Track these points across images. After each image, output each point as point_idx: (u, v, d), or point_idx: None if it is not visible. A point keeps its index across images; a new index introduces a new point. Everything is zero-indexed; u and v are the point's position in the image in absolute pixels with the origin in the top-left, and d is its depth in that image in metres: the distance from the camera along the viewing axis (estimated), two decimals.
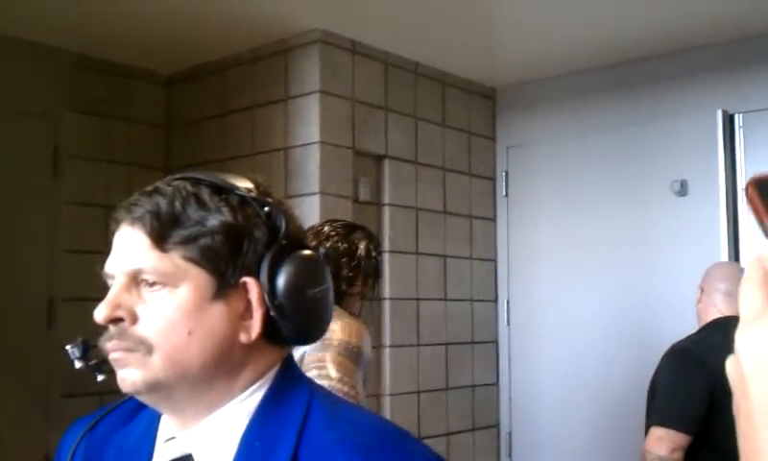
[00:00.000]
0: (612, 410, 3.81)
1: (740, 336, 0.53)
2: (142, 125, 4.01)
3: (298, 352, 1.88)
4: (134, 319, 0.93)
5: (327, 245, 2.10)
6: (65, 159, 3.69)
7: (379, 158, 3.79)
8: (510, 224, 4.36)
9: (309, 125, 3.50)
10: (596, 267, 4.00)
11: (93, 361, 0.98)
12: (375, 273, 2.19)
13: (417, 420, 3.82)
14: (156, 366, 0.92)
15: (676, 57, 3.81)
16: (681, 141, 3.75)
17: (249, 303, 0.94)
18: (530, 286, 4.26)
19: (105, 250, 0.99)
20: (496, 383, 4.32)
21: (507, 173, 4.39)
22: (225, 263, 0.93)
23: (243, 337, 0.94)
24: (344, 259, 2.10)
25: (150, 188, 0.97)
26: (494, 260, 4.37)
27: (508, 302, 4.34)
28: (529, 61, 4.01)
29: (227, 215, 0.93)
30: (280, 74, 3.63)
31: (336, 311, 1.91)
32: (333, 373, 1.88)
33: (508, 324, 4.33)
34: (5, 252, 3.46)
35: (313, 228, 2.19)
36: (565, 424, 4.04)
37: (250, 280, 0.94)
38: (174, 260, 0.92)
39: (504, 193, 4.39)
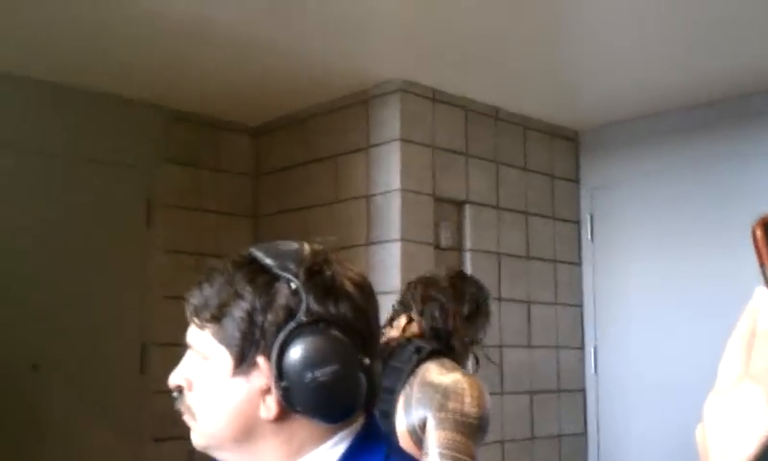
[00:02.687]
0: None
1: (710, 402, 0.49)
2: (231, 174, 4.15)
3: (418, 416, 1.77)
4: (190, 387, 1.03)
5: (439, 295, 2.00)
6: (158, 209, 3.85)
7: (460, 204, 3.80)
8: (596, 268, 4.28)
9: (390, 172, 3.55)
10: (688, 311, 3.87)
11: None
12: (486, 322, 2.10)
13: None
14: (200, 432, 1.01)
15: (762, 96, 3.70)
16: None
17: (268, 380, 0.98)
18: (619, 333, 4.15)
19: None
20: (584, 433, 4.21)
21: (592, 216, 4.32)
22: (243, 343, 0.98)
23: (264, 413, 0.98)
24: (457, 309, 2.00)
25: (209, 271, 1.05)
26: (580, 306, 4.29)
27: (595, 349, 4.24)
28: (613, 103, 3.96)
29: (248, 300, 0.98)
30: (362, 123, 3.70)
31: (453, 366, 1.85)
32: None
33: (596, 372, 4.23)
34: (100, 298, 3.62)
35: (423, 277, 2.10)
36: None
37: (262, 361, 0.97)
38: (206, 337, 1.01)
39: (589, 236, 4.31)
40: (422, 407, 1.77)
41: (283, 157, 4.10)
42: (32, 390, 3.40)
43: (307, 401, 0.95)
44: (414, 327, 1.96)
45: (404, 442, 1.77)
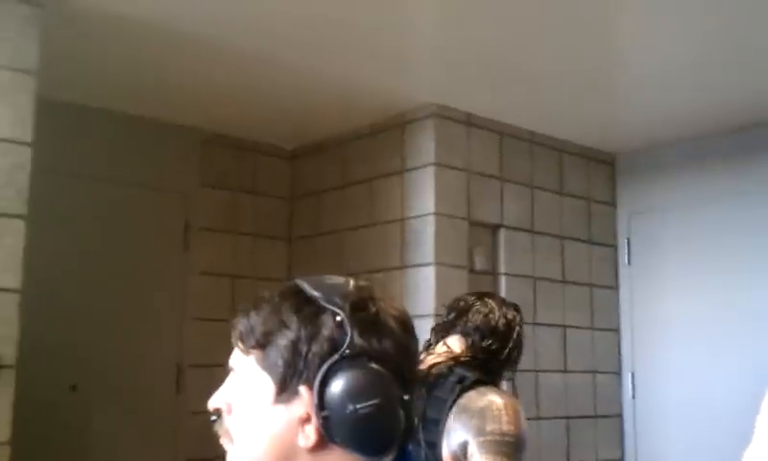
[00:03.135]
0: None
1: (748, 458, 0.49)
2: (267, 197, 4.19)
3: (458, 439, 1.78)
4: (230, 410, 1.04)
5: (476, 317, 1.99)
6: (195, 231, 3.90)
7: (495, 228, 3.79)
8: (633, 292, 4.23)
9: (424, 197, 3.56)
10: (727, 337, 3.81)
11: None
12: (520, 347, 2.06)
13: None
14: (237, 456, 1.03)
15: None
16: None
17: (309, 409, 0.99)
18: (656, 357, 4.10)
19: (230, 318, 1.09)
20: (621, 459, 4.15)
21: (629, 240, 4.28)
22: (286, 371, 0.99)
23: (302, 442, 0.99)
24: (495, 333, 1.99)
25: (255, 298, 1.06)
26: (617, 330, 4.24)
27: (633, 374, 4.18)
28: (651, 125, 3.94)
29: (294, 330, 1.00)
30: (397, 147, 3.72)
31: (490, 391, 1.84)
32: None
33: (633, 397, 4.17)
34: (138, 319, 3.67)
35: (458, 300, 2.09)
36: None
37: (304, 390, 0.98)
38: (250, 363, 1.03)
39: (626, 261, 4.27)
40: (462, 432, 1.77)
41: (319, 181, 4.13)
42: (70, 410, 3.46)
43: (346, 433, 0.96)
44: (455, 346, 1.96)
45: None
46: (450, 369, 1.89)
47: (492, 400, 1.81)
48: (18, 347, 2.45)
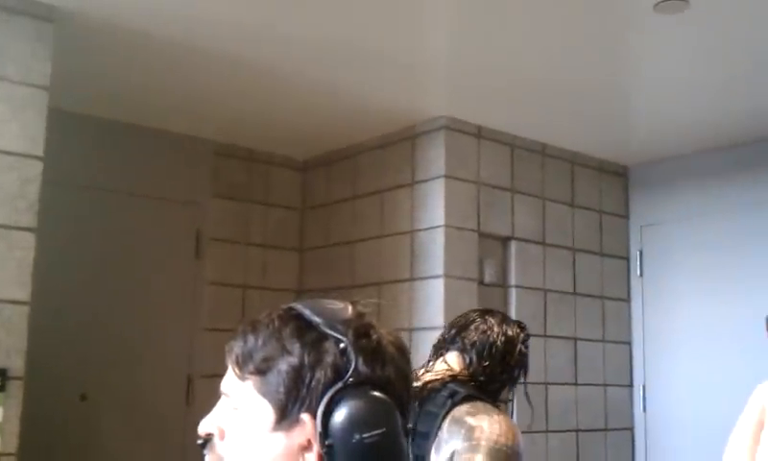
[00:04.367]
0: None
1: None
2: (278, 208, 4.21)
3: (448, 451, 1.76)
4: (222, 436, 1.02)
5: (473, 335, 1.96)
6: (207, 242, 3.92)
7: (505, 240, 3.78)
8: (645, 305, 4.20)
9: (434, 209, 3.56)
10: (738, 350, 3.78)
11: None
12: (525, 366, 2.02)
13: None
14: None
15: None
16: None
17: (310, 437, 0.97)
18: (669, 370, 4.07)
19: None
20: None
21: (641, 252, 4.25)
22: (287, 399, 0.97)
23: None
24: (493, 351, 1.95)
25: (251, 321, 1.04)
26: (629, 343, 4.22)
27: (644, 387, 4.16)
28: (664, 138, 3.91)
29: (296, 356, 0.98)
30: (407, 159, 3.73)
31: (485, 407, 1.82)
32: None
33: (644, 410, 4.14)
34: (149, 329, 3.70)
35: (461, 316, 2.06)
36: None
37: (307, 418, 0.97)
38: (247, 389, 1.00)
39: (639, 273, 4.25)
40: (451, 442, 1.75)
41: (330, 192, 4.14)
42: (80, 419, 3.48)
43: None
44: (453, 363, 1.94)
45: None
46: (444, 384, 1.86)
47: (485, 415, 1.78)
48: (28, 357, 2.47)
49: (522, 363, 2.00)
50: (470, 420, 1.76)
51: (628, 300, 4.25)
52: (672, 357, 4.05)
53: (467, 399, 1.82)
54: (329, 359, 0.97)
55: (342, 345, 0.97)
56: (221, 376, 1.07)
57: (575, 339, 3.97)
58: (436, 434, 1.77)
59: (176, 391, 3.74)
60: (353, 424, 0.94)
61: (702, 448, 3.85)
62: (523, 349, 2.00)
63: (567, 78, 3.18)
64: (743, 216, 3.85)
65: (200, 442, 1.02)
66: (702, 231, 4.00)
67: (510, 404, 2.05)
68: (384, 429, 0.96)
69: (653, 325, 4.16)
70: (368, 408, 0.95)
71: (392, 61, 3.05)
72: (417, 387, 1.88)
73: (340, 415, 0.94)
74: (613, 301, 4.18)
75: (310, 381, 0.96)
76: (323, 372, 0.97)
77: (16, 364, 2.43)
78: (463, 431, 1.75)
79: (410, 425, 1.83)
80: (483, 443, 1.73)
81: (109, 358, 3.56)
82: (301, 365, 0.97)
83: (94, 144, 3.61)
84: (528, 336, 2.06)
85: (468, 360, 1.93)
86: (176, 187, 3.87)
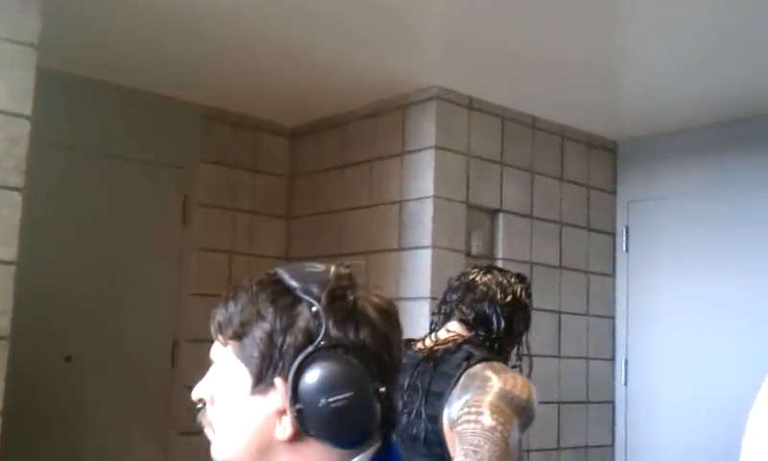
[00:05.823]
0: None
1: None
2: (267, 175, 4.19)
3: (460, 403, 1.71)
4: (212, 401, 1.04)
5: (477, 305, 1.92)
6: (194, 207, 3.90)
7: (493, 212, 3.79)
8: (630, 280, 4.24)
9: (424, 179, 3.56)
10: (722, 327, 3.82)
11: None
12: (528, 318, 1.99)
13: None
14: (218, 446, 1.03)
15: None
16: None
17: (285, 401, 0.98)
18: (650, 345, 4.11)
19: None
20: (612, 445, 4.18)
21: (627, 228, 4.28)
22: (262, 363, 0.99)
23: (279, 434, 0.98)
24: (500, 324, 1.91)
25: (234, 288, 1.05)
26: (613, 317, 4.26)
27: (626, 361, 4.20)
28: (653, 115, 3.92)
29: (269, 321, 0.99)
30: (398, 129, 3.71)
31: (502, 367, 1.79)
32: (487, 419, 1.65)
33: (626, 384, 4.19)
34: (135, 292, 3.69)
35: (464, 275, 2.02)
36: None
37: (279, 382, 0.98)
38: (228, 355, 1.02)
39: (624, 248, 4.27)
40: (464, 395, 1.72)
41: (319, 160, 4.13)
42: (64, 381, 3.48)
43: (320, 426, 0.96)
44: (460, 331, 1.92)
45: (450, 442, 1.73)
46: (458, 346, 1.85)
47: (500, 372, 1.75)
48: (13, 318, 2.46)
49: (526, 316, 1.98)
50: (486, 373, 1.74)
51: (613, 275, 4.28)
52: (654, 333, 4.09)
53: (482, 361, 1.79)
54: (302, 324, 0.97)
55: (314, 308, 0.97)
56: (206, 340, 1.07)
57: (559, 312, 4.00)
58: (450, 393, 1.76)
59: (161, 354, 3.74)
60: (320, 387, 0.95)
61: (681, 423, 3.92)
62: (526, 302, 1.98)
63: (559, 52, 3.17)
64: (730, 194, 3.87)
65: (198, 407, 1.05)
66: (688, 209, 4.02)
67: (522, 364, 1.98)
68: (351, 393, 0.96)
69: (637, 300, 4.20)
70: (334, 372, 0.95)
71: (384, 30, 3.03)
72: (430, 348, 1.87)
73: (309, 379, 0.95)
74: (599, 275, 4.21)
75: (282, 346, 0.97)
76: (294, 336, 0.97)
77: (2, 324, 2.43)
78: (477, 382, 1.73)
79: (424, 385, 1.83)
80: (495, 389, 1.70)
81: (95, 321, 3.55)
82: (274, 330, 0.98)
83: (82, 105, 3.57)
84: (529, 287, 2.02)
85: (475, 332, 1.90)
86: (164, 151, 3.84)
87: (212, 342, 1.06)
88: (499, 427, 1.64)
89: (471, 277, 2.00)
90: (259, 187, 4.16)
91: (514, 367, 1.93)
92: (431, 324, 2.00)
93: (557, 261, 4.02)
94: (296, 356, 0.96)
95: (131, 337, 3.65)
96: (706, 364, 3.86)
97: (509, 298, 1.94)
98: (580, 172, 4.17)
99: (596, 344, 4.16)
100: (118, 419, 3.58)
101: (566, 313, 4.03)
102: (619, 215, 4.32)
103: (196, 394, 1.06)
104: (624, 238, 4.28)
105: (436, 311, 2.03)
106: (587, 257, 4.16)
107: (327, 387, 0.95)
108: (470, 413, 1.68)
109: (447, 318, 1.97)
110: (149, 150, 3.78)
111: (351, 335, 0.98)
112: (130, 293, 3.67)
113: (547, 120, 4.00)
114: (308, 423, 0.96)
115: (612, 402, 4.20)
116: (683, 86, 3.52)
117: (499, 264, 3.74)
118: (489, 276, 1.98)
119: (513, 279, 1.99)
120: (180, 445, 3.64)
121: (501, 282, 1.96)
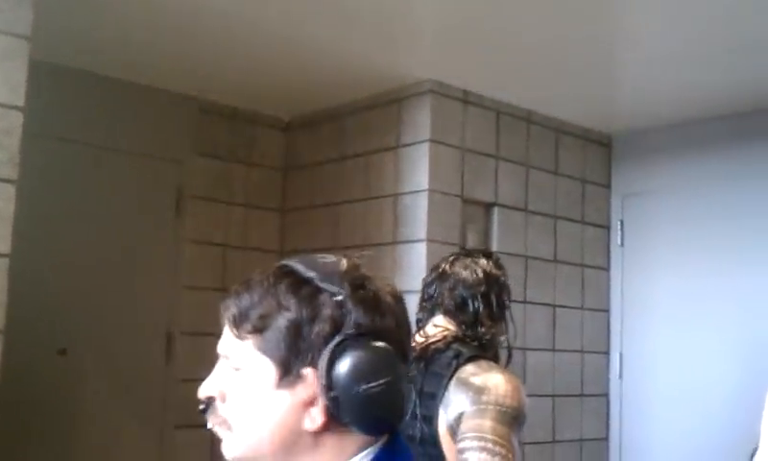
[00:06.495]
0: None
1: None
2: (261, 168, 4.18)
3: (455, 412, 1.77)
4: (224, 398, 1.01)
5: (452, 294, 1.95)
6: (188, 200, 3.89)
7: (488, 206, 3.79)
8: (624, 274, 4.24)
9: (419, 173, 3.56)
10: (717, 321, 3.83)
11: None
12: (508, 294, 2.02)
13: None
14: (235, 444, 1.00)
15: None
16: None
17: (314, 391, 0.97)
18: (645, 339, 4.12)
19: (221, 287, 1.06)
20: (606, 438, 4.19)
21: (622, 222, 4.28)
22: (288, 355, 0.97)
23: (308, 425, 0.97)
24: (480, 313, 1.94)
25: (245, 280, 1.03)
26: (607, 311, 4.26)
27: (621, 354, 4.21)
28: (648, 109, 3.93)
29: (293, 311, 0.98)
30: (393, 122, 3.71)
31: (489, 366, 1.84)
32: (497, 448, 1.68)
33: (620, 377, 4.20)
34: (129, 285, 3.68)
35: (435, 268, 2.04)
36: None
37: (310, 372, 0.97)
38: (247, 349, 0.99)
39: (619, 242, 4.28)
40: (459, 403, 1.77)
41: (314, 153, 4.12)
42: (59, 374, 3.47)
43: (356, 413, 0.95)
44: (446, 325, 1.95)
45: (446, 444, 1.77)
46: (447, 345, 1.88)
47: (490, 374, 1.80)
48: (7, 311, 2.45)
49: (501, 286, 2.00)
50: (476, 381, 1.78)
51: (607, 269, 4.28)
52: (649, 326, 4.10)
53: (470, 359, 1.84)
54: (327, 312, 0.97)
55: (338, 297, 0.97)
56: (200, 333, 1.06)
57: (554, 306, 4.01)
58: (443, 395, 1.80)
59: (155, 348, 3.73)
60: (357, 374, 0.94)
61: (675, 417, 3.93)
62: (497, 273, 2.00)
63: (554, 45, 3.17)
64: (725, 188, 3.88)
65: (201, 407, 1.02)
66: (683, 203, 4.03)
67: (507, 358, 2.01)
68: (388, 378, 0.96)
69: (631, 294, 4.21)
70: (370, 358, 0.96)
71: (379, 23, 3.02)
72: (420, 347, 1.90)
73: (343, 366, 0.94)
74: (593, 269, 4.22)
75: (309, 335, 0.96)
76: (321, 325, 0.97)
77: None
78: (470, 393, 1.76)
79: (417, 386, 1.86)
80: (490, 407, 1.74)
81: (89, 314, 3.54)
82: (299, 320, 0.97)
83: (76, 97, 3.55)
84: (498, 260, 2.05)
85: (461, 325, 1.93)
86: (158, 144, 3.83)
87: (207, 335, 1.04)
88: (503, 451, 1.68)
89: (442, 267, 2.04)
90: (253, 180, 4.15)
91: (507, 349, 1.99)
92: (417, 322, 2.02)
93: (552, 255, 4.02)
94: (324, 345, 0.96)
95: (125, 330, 3.64)
96: (700, 357, 3.87)
97: (480, 275, 1.97)
98: (575, 166, 4.17)
99: (591, 337, 4.17)
100: (112, 411, 3.57)
101: (561, 307, 4.04)
102: (614, 209, 4.32)
103: (204, 392, 1.03)
104: (619, 232, 4.28)
105: (419, 309, 2.05)
106: (581, 251, 4.17)
107: (364, 373, 0.95)
108: (473, 439, 1.71)
109: (431, 313, 2.00)
110: (143, 142, 3.77)
111: (378, 322, 0.99)
112: (124, 286, 3.66)
113: (542, 114, 4.00)
114: (343, 410, 0.95)
115: (606, 396, 4.21)
116: (677, 81, 3.52)
117: None
118: (457, 262, 2.02)
119: (479, 258, 2.03)
120: (175, 437, 3.64)
121: (468, 265, 2.00)
